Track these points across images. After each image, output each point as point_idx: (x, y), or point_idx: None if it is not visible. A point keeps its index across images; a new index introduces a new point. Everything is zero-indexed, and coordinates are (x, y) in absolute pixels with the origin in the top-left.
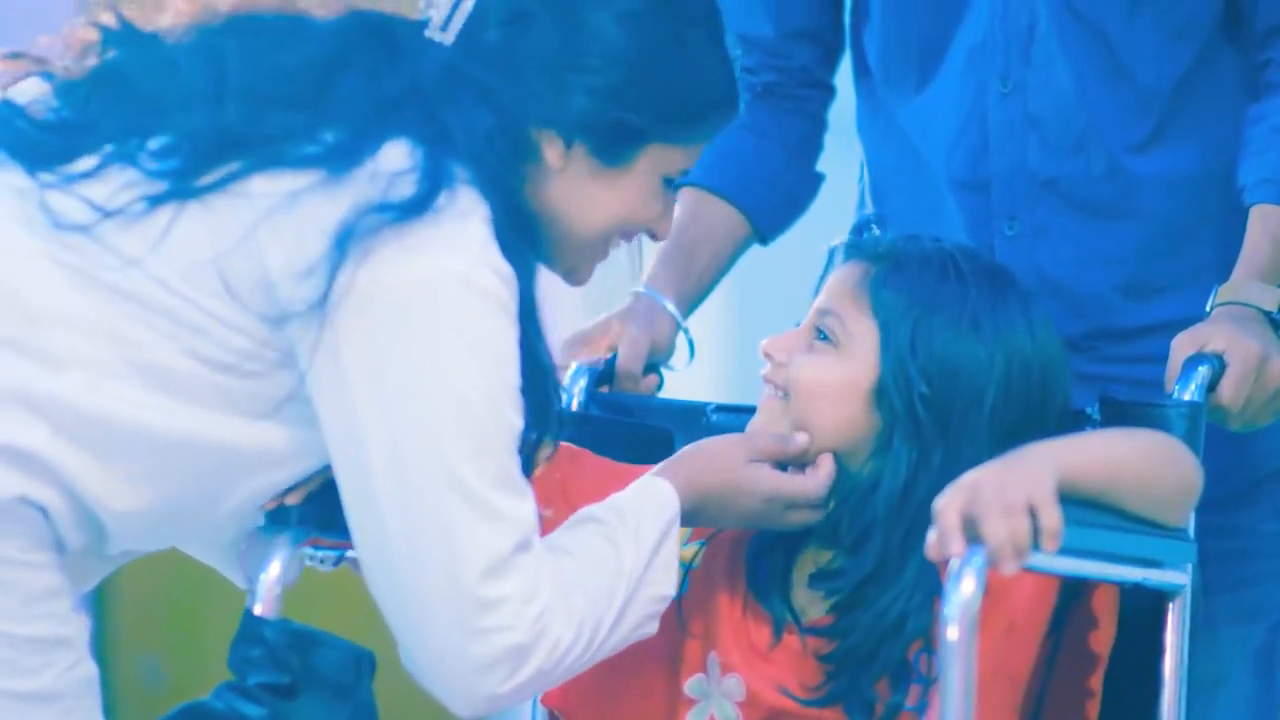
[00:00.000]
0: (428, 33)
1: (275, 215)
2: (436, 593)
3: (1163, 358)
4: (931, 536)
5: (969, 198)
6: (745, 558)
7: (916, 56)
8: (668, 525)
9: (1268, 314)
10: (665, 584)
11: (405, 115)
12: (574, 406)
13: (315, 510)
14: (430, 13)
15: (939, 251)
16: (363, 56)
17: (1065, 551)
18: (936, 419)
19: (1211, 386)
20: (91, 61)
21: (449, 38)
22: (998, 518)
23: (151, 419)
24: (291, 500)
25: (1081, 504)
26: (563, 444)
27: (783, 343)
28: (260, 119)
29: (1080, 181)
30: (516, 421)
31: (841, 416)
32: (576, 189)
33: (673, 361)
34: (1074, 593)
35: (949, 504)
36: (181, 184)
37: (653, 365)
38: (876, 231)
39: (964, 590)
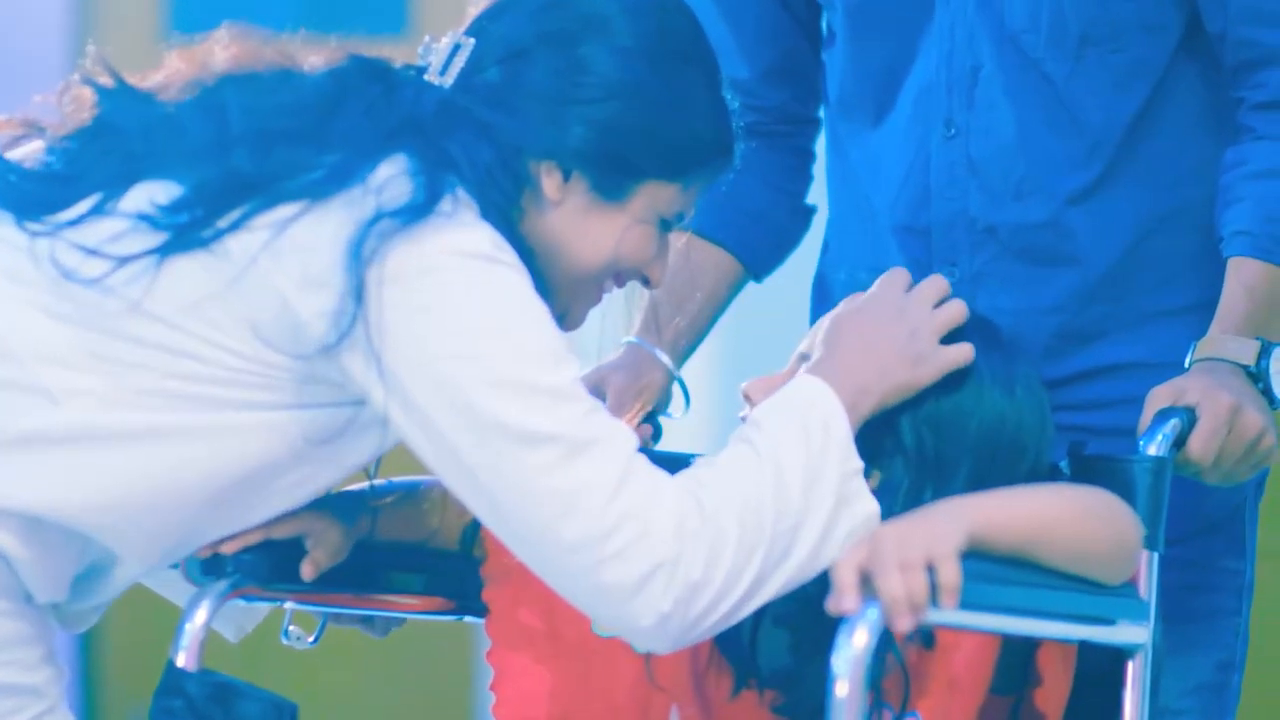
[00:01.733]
0: (426, 77)
1: (275, 240)
2: (563, 540)
3: (1101, 403)
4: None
5: (910, 242)
6: None
7: (871, 95)
8: (811, 398)
9: (1245, 368)
10: (850, 459)
11: (405, 143)
12: None
13: (250, 560)
14: (428, 59)
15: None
16: (361, 93)
17: (979, 608)
18: (935, 458)
19: (1183, 441)
20: (85, 116)
21: (448, 80)
22: (893, 573)
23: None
24: (226, 549)
25: (1000, 561)
26: None
27: (761, 384)
28: (266, 157)
29: (1020, 229)
30: (572, 365)
31: None
32: (573, 222)
33: (670, 410)
34: (1021, 651)
35: (846, 560)
36: (193, 234)
37: (648, 415)
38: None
39: (855, 645)
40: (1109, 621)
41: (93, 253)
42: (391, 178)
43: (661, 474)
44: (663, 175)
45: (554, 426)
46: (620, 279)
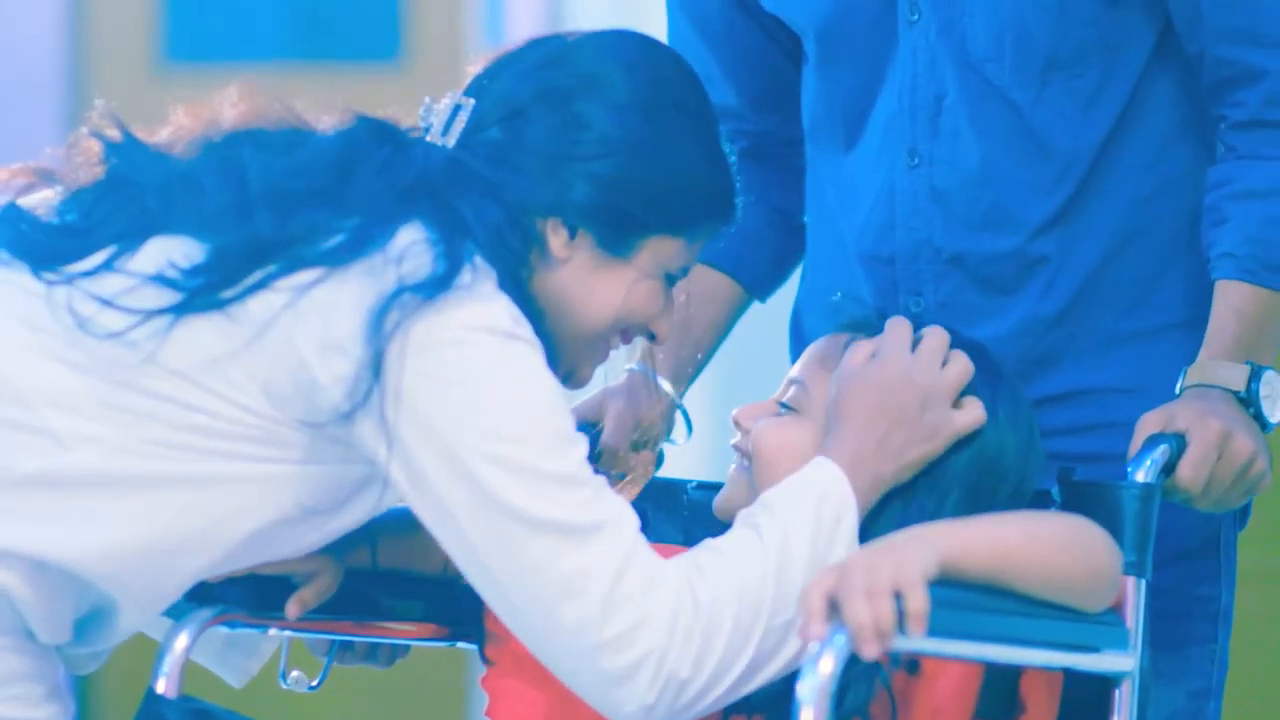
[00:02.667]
0: (429, 138)
1: (296, 303)
2: (561, 623)
3: (1069, 429)
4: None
5: (876, 270)
6: None
7: (840, 122)
8: (826, 489)
9: (1235, 393)
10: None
11: (419, 205)
12: None
13: (237, 589)
14: (430, 120)
15: (912, 325)
16: (373, 153)
17: (949, 635)
18: (926, 483)
19: (1173, 467)
20: (97, 171)
21: (450, 141)
22: (860, 600)
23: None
24: (213, 577)
25: (973, 588)
26: None
27: (751, 410)
28: (286, 220)
29: (987, 258)
30: (581, 447)
31: None
32: (580, 279)
33: (672, 436)
34: (1006, 678)
35: (814, 586)
36: (212, 296)
37: (651, 441)
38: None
39: (820, 672)
40: (1093, 649)
41: (109, 304)
42: (410, 246)
43: (660, 561)
44: (666, 229)
45: (559, 513)
46: (627, 335)
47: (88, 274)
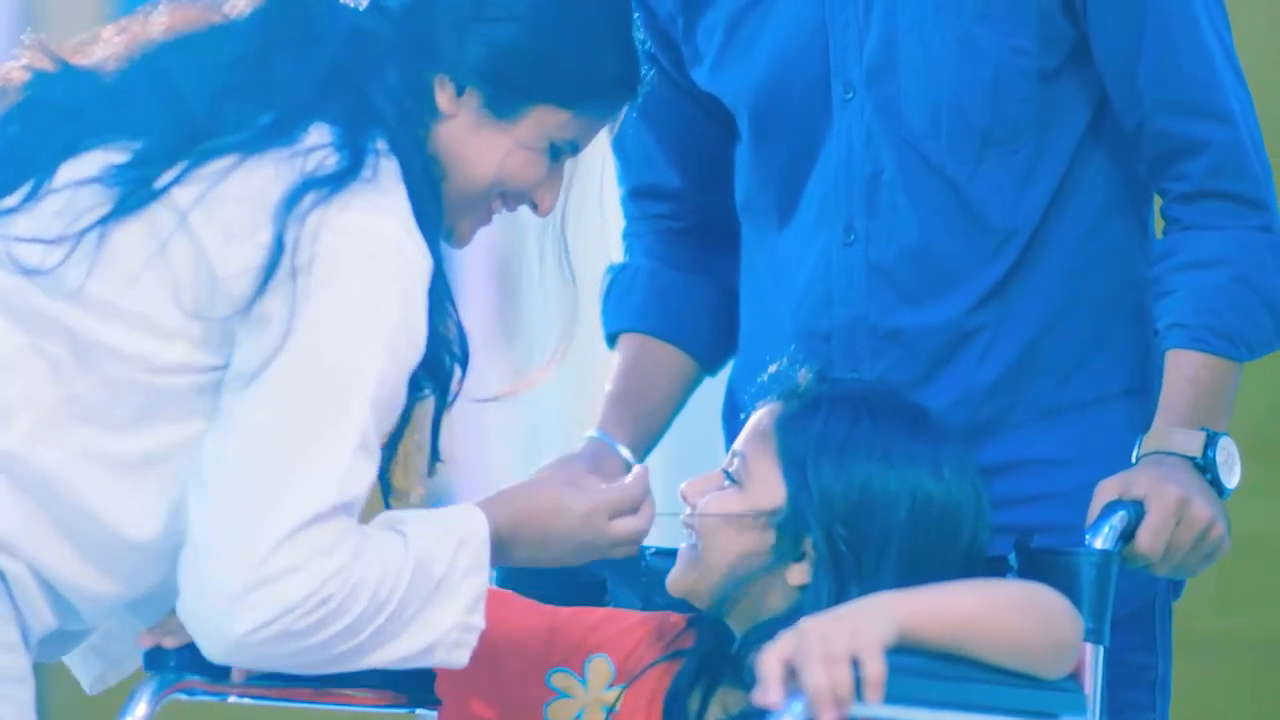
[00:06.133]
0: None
1: (206, 196)
2: (253, 513)
3: (1008, 500)
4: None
5: (813, 346)
6: (664, 701)
7: (774, 199)
8: (467, 534)
9: (1192, 459)
10: (468, 592)
11: (330, 93)
12: None
13: (192, 655)
14: None
15: (853, 390)
16: (287, 34)
17: (907, 702)
18: (852, 553)
19: (1131, 534)
20: (18, 97)
21: (363, 2)
22: (818, 667)
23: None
24: (169, 643)
25: (932, 655)
26: (489, 589)
27: (697, 485)
28: (215, 113)
29: (924, 332)
30: (402, 397)
31: (740, 551)
32: (462, 137)
33: None
34: None
35: (772, 653)
36: (144, 191)
37: None
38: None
39: None
40: (1051, 715)
41: (36, 240)
42: (318, 141)
43: (355, 544)
44: (555, 100)
45: (328, 453)
46: (509, 201)
47: (10, 211)
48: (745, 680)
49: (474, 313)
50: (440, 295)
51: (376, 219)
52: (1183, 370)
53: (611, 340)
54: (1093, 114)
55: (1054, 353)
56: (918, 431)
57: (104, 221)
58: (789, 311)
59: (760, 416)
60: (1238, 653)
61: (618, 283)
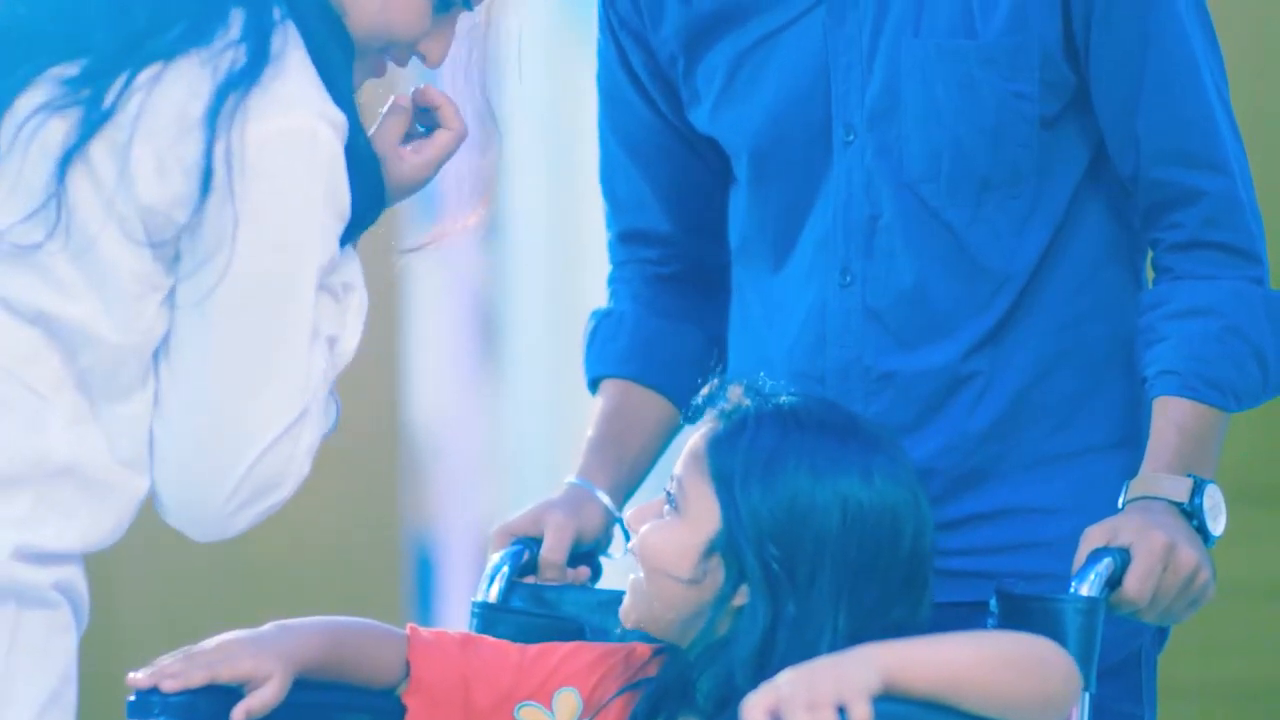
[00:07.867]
0: None
1: (139, 118)
2: (231, 435)
3: (991, 549)
4: None
5: (806, 388)
6: None
7: (771, 241)
8: None
9: (1179, 505)
10: None
11: None
12: (492, 597)
13: (179, 702)
14: None
15: (782, 405)
16: None
17: None
18: (785, 571)
19: (1118, 581)
20: None
21: None
22: (803, 714)
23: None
24: (167, 687)
25: (919, 704)
26: (460, 633)
27: (639, 514)
28: (159, 13)
29: (918, 376)
30: (336, 254)
31: (681, 578)
32: None
33: (611, 550)
34: None
35: (757, 701)
36: (97, 109)
37: (588, 554)
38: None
39: None
40: None
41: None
42: (229, 43)
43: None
44: None
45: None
46: (397, 55)
47: None
48: (699, 706)
49: None
50: (356, 133)
51: (288, 118)
52: (1171, 417)
53: (594, 385)
54: (1091, 162)
55: (1046, 402)
56: (846, 440)
57: (66, 159)
58: (782, 353)
59: (695, 438)
60: (1222, 700)
61: (602, 328)
